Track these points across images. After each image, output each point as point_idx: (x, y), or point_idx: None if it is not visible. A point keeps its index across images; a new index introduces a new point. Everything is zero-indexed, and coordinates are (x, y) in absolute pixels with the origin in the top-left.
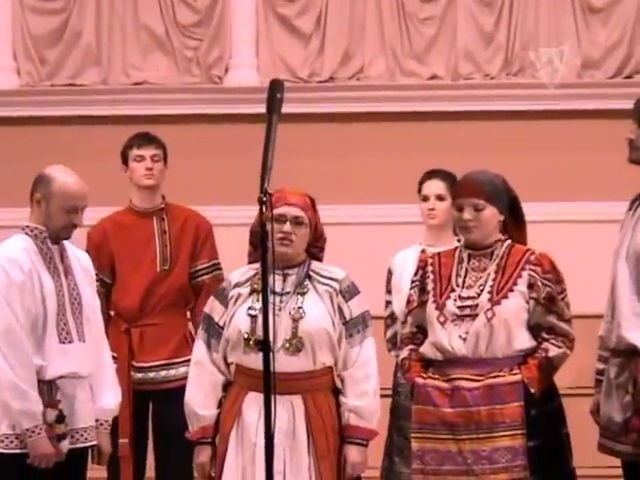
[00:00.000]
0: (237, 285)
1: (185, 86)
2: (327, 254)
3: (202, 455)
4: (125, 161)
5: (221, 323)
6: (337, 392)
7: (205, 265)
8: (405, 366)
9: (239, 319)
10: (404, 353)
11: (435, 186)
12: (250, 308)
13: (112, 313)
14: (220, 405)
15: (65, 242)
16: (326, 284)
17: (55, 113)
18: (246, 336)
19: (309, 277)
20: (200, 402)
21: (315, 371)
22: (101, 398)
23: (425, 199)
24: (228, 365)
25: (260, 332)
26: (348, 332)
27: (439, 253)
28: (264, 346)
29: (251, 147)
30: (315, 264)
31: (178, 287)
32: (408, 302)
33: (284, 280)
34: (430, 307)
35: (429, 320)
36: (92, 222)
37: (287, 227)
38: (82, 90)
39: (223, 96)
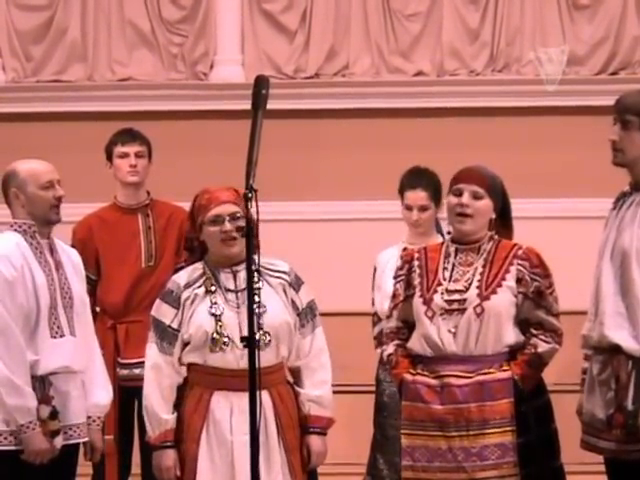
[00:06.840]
0: (188, 286)
1: (170, 82)
2: (313, 250)
3: (167, 459)
4: (109, 157)
5: (174, 325)
6: (289, 384)
7: None
8: (392, 362)
9: (202, 319)
10: (389, 349)
11: (418, 197)
12: (211, 307)
13: (98, 309)
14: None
15: (54, 238)
16: (277, 277)
17: (40, 109)
18: (216, 336)
19: (258, 271)
20: (161, 406)
21: (276, 365)
22: (93, 394)
23: (408, 208)
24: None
25: (227, 331)
26: (300, 322)
27: (425, 247)
28: (249, 342)
29: (236, 143)
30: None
31: (163, 283)
32: (394, 296)
33: (235, 278)
34: (417, 302)
35: (417, 315)
36: (77, 218)
37: (227, 226)
38: (67, 86)
39: (208, 92)
